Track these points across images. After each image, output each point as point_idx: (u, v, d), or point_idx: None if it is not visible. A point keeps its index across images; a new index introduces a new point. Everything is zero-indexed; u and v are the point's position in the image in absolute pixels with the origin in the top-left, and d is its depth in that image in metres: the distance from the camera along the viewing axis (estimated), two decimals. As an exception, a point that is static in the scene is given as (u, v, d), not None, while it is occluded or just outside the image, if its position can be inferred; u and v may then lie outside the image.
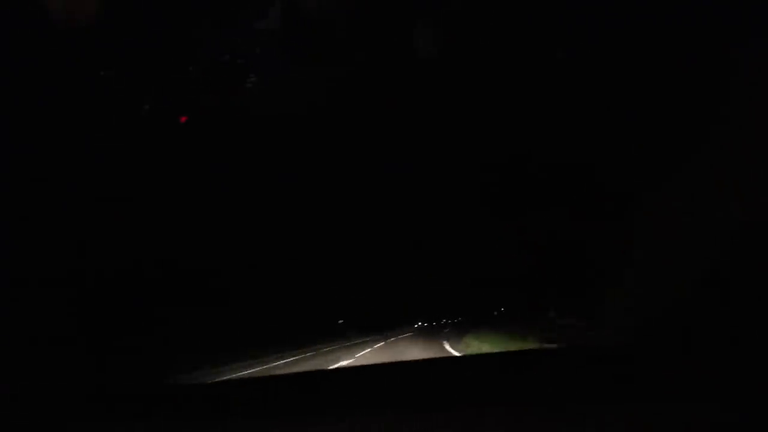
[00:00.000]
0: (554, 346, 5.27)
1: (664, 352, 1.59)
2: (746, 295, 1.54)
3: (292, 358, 9.03)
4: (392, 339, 12.57)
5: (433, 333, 14.06)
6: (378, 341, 11.86)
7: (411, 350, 8.55)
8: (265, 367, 7.85)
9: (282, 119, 3.88)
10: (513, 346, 6.76)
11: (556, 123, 3.42)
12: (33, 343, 2.65)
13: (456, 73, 3.48)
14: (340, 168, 4.39)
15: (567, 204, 4.01)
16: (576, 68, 3.05)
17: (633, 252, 1.95)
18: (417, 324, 21.31)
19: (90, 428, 1.79)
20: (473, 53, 3.31)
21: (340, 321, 15.23)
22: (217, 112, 3.77)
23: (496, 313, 14.80)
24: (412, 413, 1.44)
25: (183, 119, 3.71)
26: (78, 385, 2.52)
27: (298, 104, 3.77)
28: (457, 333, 11.91)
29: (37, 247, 2.93)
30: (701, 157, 1.64)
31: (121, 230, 3.55)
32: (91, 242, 3.36)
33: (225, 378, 6.51)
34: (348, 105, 3.77)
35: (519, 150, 3.95)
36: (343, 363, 7.11)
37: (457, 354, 6.82)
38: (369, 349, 9.42)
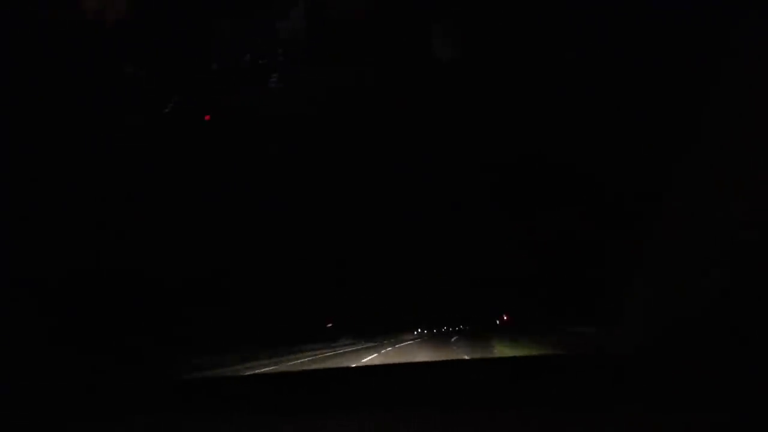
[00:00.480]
0: (564, 352, 5.39)
1: (675, 361, 1.57)
2: (761, 299, 1.45)
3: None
4: (389, 349, 10.60)
5: (439, 342, 12.09)
6: (370, 351, 9.90)
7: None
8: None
9: (295, 119, 3.98)
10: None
11: (567, 123, 3.47)
12: (34, 343, 2.67)
13: (468, 73, 3.56)
14: (348, 168, 4.47)
15: (576, 206, 4.09)
16: (587, 68, 3.09)
17: (643, 258, 1.85)
18: (417, 331, 19.59)
19: (90, 428, 1.82)
20: (485, 53, 3.40)
21: (329, 325, 13.29)
22: (239, 112, 3.89)
23: (498, 322, 13.94)
24: (417, 414, 1.47)
25: (207, 117, 3.83)
26: (79, 384, 2.44)
27: (312, 104, 3.86)
28: (468, 342, 10.62)
29: (44, 247, 2.98)
30: (717, 157, 1.54)
31: (128, 229, 3.65)
32: (100, 241, 3.44)
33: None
34: (361, 104, 3.83)
35: (529, 151, 4.00)
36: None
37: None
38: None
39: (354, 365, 6.88)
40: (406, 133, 4.01)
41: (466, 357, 7.10)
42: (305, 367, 7.94)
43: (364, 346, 12.77)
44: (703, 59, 1.75)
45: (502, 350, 7.38)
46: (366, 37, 3.49)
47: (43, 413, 1.90)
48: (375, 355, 8.95)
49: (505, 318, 13.64)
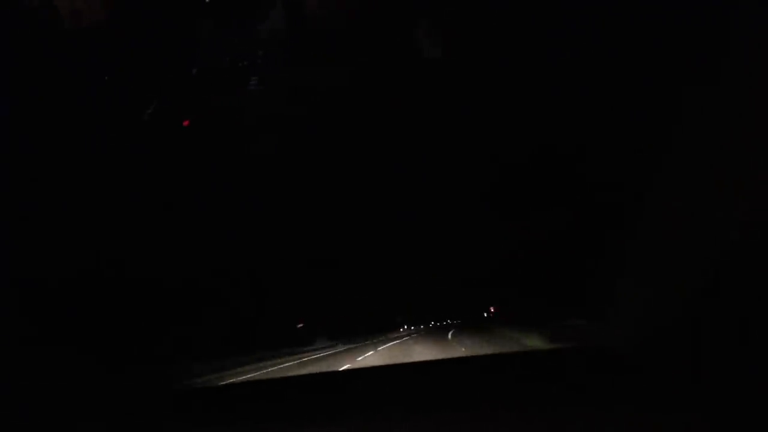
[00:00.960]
0: (559, 346, 5.26)
1: (670, 357, 1.60)
2: (755, 297, 1.45)
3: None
4: (369, 353, 8.75)
5: (433, 339, 10.36)
6: (353, 354, 8.10)
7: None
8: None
9: (284, 120, 3.96)
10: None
11: (560, 122, 3.47)
12: (33, 344, 2.63)
13: (459, 73, 3.55)
14: (340, 168, 4.46)
15: (571, 203, 4.09)
16: (580, 68, 3.10)
17: (638, 253, 1.83)
18: (403, 328, 18.00)
19: (90, 429, 1.84)
20: (477, 53, 3.38)
21: (300, 325, 11.47)
22: (220, 114, 3.84)
23: (486, 315, 13.64)
24: (411, 415, 1.50)
25: (186, 123, 3.79)
26: (79, 386, 2.51)
27: (300, 105, 3.83)
28: (472, 339, 8.84)
29: (43, 251, 3.00)
30: (710, 154, 1.53)
31: (116, 232, 3.69)
32: (103, 247, 3.51)
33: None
34: (351, 105, 3.80)
35: (523, 150, 3.98)
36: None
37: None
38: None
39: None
40: (388, 132, 3.95)
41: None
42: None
43: (343, 349, 10.96)
44: (696, 57, 1.66)
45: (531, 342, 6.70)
46: (348, 37, 3.43)
47: (42, 414, 1.91)
48: (347, 366, 7.16)
49: (492, 311, 13.31)
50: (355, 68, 3.61)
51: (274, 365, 8.25)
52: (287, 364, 8.44)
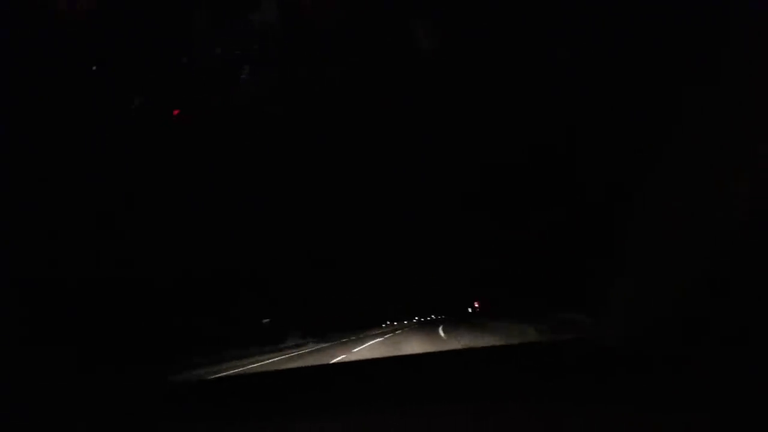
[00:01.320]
0: (556, 338, 5.20)
1: (670, 356, 1.60)
2: (755, 296, 1.47)
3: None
4: (342, 357, 7.19)
5: (423, 338, 8.95)
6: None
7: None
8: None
9: (275, 117, 3.90)
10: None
11: (558, 122, 3.44)
12: (32, 343, 2.66)
13: (459, 73, 3.51)
14: (328, 166, 4.43)
15: (567, 200, 4.05)
16: (578, 68, 3.08)
17: (636, 252, 1.83)
18: (385, 324, 16.74)
19: (95, 428, 1.87)
20: (477, 52, 3.33)
21: (266, 320, 10.00)
22: (211, 108, 3.77)
23: (470, 310, 12.69)
24: (407, 407, 1.49)
25: (175, 112, 3.72)
26: (78, 385, 2.48)
27: (292, 101, 3.75)
28: (466, 331, 7.74)
29: (40, 249, 2.99)
30: (709, 153, 1.53)
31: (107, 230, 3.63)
32: (101, 246, 3.44)
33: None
34: (343, 102, 3.72)
35: (518, 149, 3.94)
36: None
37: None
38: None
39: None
40: (383, 131, 3.84)
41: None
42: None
43: (312, 349, 9.46)
44: (695, 56, 1.68)
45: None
46: (342, 33, 3.33)
47: (42, 414, 1.89)
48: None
49: (476, 305, 12.67)
50: (353, 68, 3.50)
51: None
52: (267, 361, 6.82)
